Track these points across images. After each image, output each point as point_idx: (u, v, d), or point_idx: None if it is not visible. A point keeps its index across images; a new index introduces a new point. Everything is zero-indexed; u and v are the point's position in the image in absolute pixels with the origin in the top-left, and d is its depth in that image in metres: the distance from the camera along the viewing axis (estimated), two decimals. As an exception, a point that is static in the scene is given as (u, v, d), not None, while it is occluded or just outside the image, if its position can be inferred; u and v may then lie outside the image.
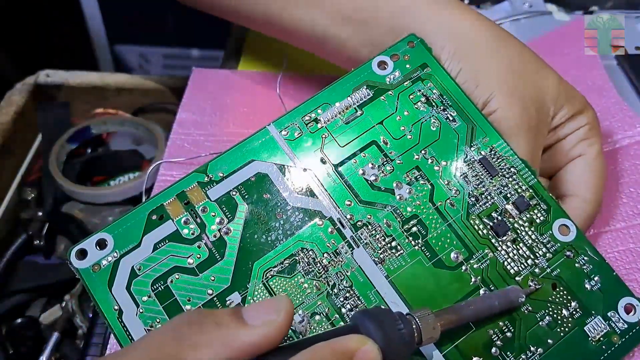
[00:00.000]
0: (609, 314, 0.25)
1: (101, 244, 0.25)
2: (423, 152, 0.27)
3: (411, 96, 0.28)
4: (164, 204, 0.26)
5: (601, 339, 0.25)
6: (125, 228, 0.26)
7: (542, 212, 0.27)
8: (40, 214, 0.46)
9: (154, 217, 0.26)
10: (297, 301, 0.25)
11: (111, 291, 0.25)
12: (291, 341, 0.21)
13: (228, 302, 0.25)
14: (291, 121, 0.28)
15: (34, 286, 0.43)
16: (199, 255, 0.25)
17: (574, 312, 0.25)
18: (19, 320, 0.41)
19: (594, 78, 0.40)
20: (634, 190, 0.34)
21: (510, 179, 0.27)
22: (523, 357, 0.24)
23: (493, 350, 0.24)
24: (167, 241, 0.25)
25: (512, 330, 0.25)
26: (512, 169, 0.27)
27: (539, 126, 0.29)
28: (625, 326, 0.25)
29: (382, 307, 0.25)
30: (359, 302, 0.25)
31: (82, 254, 0.25)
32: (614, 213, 0.33)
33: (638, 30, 0.46)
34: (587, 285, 0.25)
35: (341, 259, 0.26)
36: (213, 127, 0.41)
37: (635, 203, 0.33)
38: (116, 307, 0.24)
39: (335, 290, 0.25)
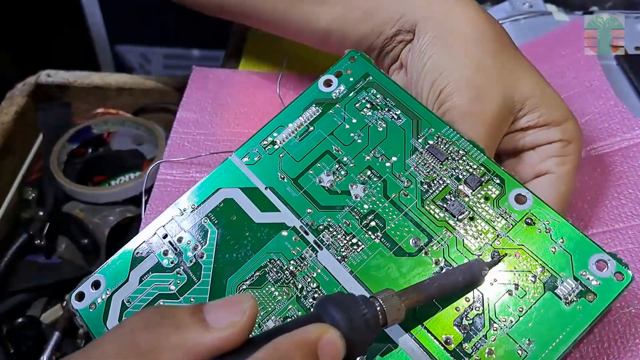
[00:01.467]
0: (579, 273, 0.24)
1: (96, 285, 0.28)
2: (373, 152, 0.29)
3: (357, 105, 0.30)
4: (146, 240, 0.29)
5: (574, 299, 0.24)
6: (115, 267, 0.28)
7: (496, 186, 0.27)
8: (41, 213, 0.45)
9: (138, 254, 0.29)
10: (269, 308, 0.26)
11: (106, 325, 0.27)
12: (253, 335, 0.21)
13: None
14: (251, 148, 0.30)
15: (34, 286, 0.42)
16: (178, 281, 0.28)
17: (542, 277, 0.25)
18: (19, 320, 0.40)
19: (592, 79, 0.40)
20: (633, 191, 0.34)
21: (460, 161, 0.28)
22: (495, 327, 0.24)
23: (463, 325, 0.24)
24: (150, 273, 0.28)
25: (480, 303, 0.25)
26: (460, 152, 0.28)
27: (496, 118, 0.29)
28: (600, 283, 0.24)
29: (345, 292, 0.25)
30: (327, 300, 0.26)
31: (80, 296, 0.28)
32: (613, 214, 0.33)
33: (638, 30, 0.46)
34: (552, 249, 0.25)
35: (307, 263, 0.27)
36: (213, 127, 0.41)
37: (634, 204, 0.33)
38: (111, 339, 0.27)
39: (304, 293, 0.26)
